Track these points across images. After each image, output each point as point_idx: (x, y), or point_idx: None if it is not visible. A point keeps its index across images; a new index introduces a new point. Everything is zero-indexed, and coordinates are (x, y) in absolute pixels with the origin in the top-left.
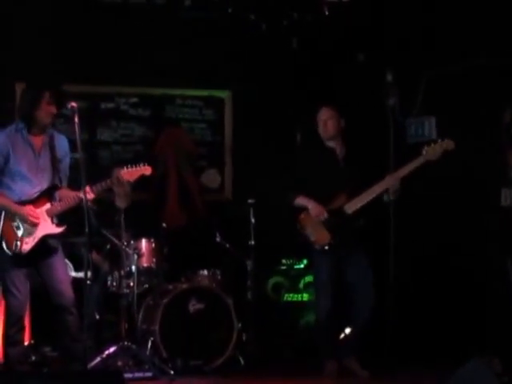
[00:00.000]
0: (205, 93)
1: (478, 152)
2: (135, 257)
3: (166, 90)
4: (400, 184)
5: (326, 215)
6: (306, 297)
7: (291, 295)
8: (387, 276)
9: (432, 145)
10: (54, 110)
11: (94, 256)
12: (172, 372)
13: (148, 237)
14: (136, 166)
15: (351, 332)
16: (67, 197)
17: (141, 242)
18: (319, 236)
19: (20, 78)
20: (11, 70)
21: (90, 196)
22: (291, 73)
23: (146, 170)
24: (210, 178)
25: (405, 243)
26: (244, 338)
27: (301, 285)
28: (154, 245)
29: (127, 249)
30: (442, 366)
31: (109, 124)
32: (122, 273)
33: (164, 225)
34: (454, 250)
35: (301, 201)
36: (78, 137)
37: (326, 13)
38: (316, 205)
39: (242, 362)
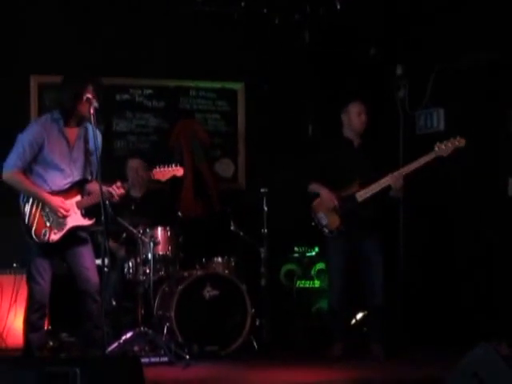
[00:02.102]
0: (218, 85)
1: (486, 143)
2: (151, 245)
3: (180, 81)
4: (404, 182)
5: (336, 202)
6: (317, 283)
7: (303, 282)
8: (397, 261)
9: (444, 141)
10: (95, 103)
11: (110, 243)
12: (187, 357)
13: (164, 225)
14: (169, 167)
15: (363, 317)
16: (97, 191)
17: (157, 230)
18: (330, 221)
19: (34, 71)
20: (26, 62)
21: (121, 192)
22: (303, 65)
23: (178, 171)
24: (224, 167)
25: (414, 230)
26: (258, 324)
27: (313, 272)
28: (169, 233)
29: (143, 237)
30: (451, 350)
31: (124, 115)
32: (139, 260)
33: (179, 214)
34: (462, 237)
35: (314, 187)
36: (93, 127)
37: (338, 7)
38: (328, 192)
39: (256, 346)
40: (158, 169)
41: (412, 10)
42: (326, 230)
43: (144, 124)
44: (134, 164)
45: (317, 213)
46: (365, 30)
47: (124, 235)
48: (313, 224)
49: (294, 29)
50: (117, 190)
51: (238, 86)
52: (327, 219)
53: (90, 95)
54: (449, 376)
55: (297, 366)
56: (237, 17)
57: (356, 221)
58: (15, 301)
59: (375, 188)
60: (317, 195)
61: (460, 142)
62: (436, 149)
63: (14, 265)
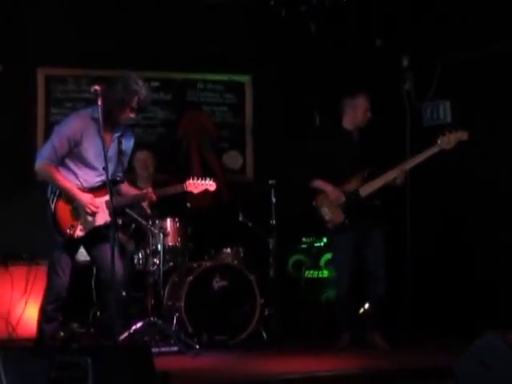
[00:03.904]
0: (225, 77)
1: (491, 135)
2: (161, 236)
3: (187, 74)
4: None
5: (343, 199)
6: (325, 273)
7: (312, 272)
8: (404, 251)
9: (447, 134)
10: (133, 115)
11: (120, 236)
12: (197, 346)
13: (173, 216)
14: (202, 180)
15: (369, 307)
16: (127, 193)
17: (166, 221)
18: (333, 216)
19: (42, 63)
20: (33, 54)
21: (152, 198)
22: (309, 57)
23: (211, 186)
24: (232, 159)
25: (421, 218)
26: (267, 314)
27: (321, 262)
28: (178, 224)
29: (153, 228)
30: (458, 338)
31: None
32: (148, 251)
33: (188, 205)
34: (468, 229)
35: (318, 184)
36: (100, 120)
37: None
38: (334, 189)
39: (265, 336)
40: (191, 181)
41: (417, 2)
42: (330, 225)
43: (151, 116)
44: (141, 156)
45: (320, 208)
46: (370, 21)
47: (133, 227)
48: (315, 219)
49: (300, 20)
50: (149, 196)
51: (245, 79)
52: (331, 214)
53: (97, 87)
54: (456, 364)
55: (305, 356)
56: (244, 9)
57: (359, 214)
58: (26, 291)
59: (379, 182)
60: (319, 190)
61: (463, 135)
62: (439, 141)
63: (25, 256)
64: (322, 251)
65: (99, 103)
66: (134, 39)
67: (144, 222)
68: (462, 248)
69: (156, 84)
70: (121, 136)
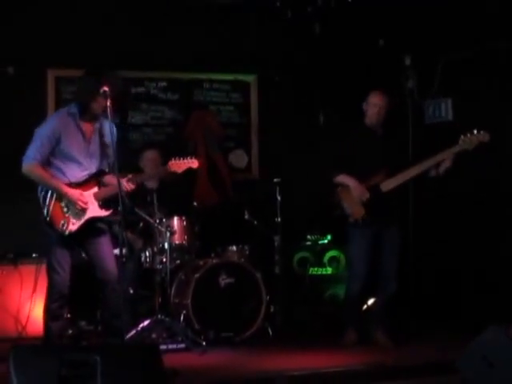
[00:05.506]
0: (231, 77)
1: (493, 132)
2: (168, 234)
3: (193, 74)
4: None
5: (368, 196)
6: (329, 270)
7: (316, 269)
8: (407, 247)
9: (468, 135)
10: (106, 103)
11: (128, 234)
12: (204, 343)
13: (180, 215)
14: (184, 159)
15: (374, 303)
16: (112, 183)
17: (173, 220)
18: (354, 210)
19: (51, 65)
20: (43, 56)
21: (131, 186)
22: (314, 57)
23: (194, 163)
24: (238, 158)
25: (423, 219)
26: (272, 310)
27: (325, 259)
28: (185, 223)
29: (160, 227)
30: (461, 334)
31: (139, 107)
32: (155, 250)
33: (195, 203)
34: (472, 223)
35: (343, 179)
36: (109, 115)
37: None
38: (358, 185)
39: (271, 332)
40: (173, 161)
41: (418, 3)
42: (351, 220)
43: (159, 116)
44: (151, 155)
45: (341, 202)
46: (374, 21)
47: (141, 225)
48: (336, 213)
49: (306, 21)
50: (127, 186)
51: (250, 78)
52: (352, 209)
53: (106, 88)
54: (459, 359)
55: (310, 352)
56: (250, 10)
57: (380, 210)
58: (35, 290)
59: (401, 178)
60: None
61: (485, 136)
62: (460, 142)
63: (34, 255)
64: (326, 248)
65: (108, 104)
66: (140, 40)
67: (151, 221)
68: (462, 246)
69: (163, 84)
70: (102, 128)
